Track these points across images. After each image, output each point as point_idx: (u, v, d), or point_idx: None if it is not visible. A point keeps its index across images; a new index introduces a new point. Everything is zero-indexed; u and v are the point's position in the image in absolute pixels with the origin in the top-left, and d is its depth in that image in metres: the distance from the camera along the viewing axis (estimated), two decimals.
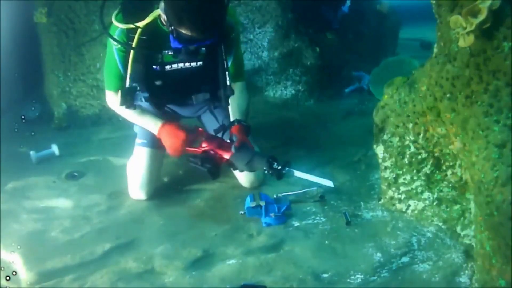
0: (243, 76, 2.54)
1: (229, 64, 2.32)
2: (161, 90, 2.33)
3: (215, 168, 2.20)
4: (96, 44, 3.69)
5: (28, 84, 3.95)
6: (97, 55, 3.71)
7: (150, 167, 2.55)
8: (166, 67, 2.28)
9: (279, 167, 2.11)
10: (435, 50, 1.96)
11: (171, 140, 2.28)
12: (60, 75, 3.75)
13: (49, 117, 3.85)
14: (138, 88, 2.26)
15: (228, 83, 2.27)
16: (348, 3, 4.86)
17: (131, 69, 2.18)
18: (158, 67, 2.26)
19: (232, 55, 2.37)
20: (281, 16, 4.02)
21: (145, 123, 2.38)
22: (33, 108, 3.87)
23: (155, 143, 2.53)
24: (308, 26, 4.28)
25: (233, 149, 2.19)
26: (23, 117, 3.75)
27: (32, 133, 3.49)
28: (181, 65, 2.29)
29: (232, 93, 2.29)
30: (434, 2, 1.89)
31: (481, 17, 1.55)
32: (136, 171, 2.56)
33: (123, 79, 2.24)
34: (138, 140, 2.58)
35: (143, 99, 2.30)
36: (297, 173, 2.14)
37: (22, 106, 3.86)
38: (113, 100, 2.37)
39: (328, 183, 2.13)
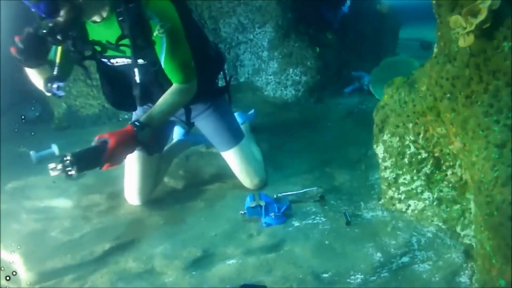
0: (178, 78, 2.14)
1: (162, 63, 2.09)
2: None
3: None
4: None
5: (28, 84, 3.95)
6: None
7: (143, 172, 2.46)
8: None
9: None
10: (435, 50, 1.96)
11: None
12: None
13: (49, 117, 3.85)
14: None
15: (138, 81, 2.06)
16: (348, 3, 4.87)
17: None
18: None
19: (162, 55, 2.06)
20: (281, 16, 4.02)
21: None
22: (33, 108, 3.87)
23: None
24: (308, 26, 4.28)
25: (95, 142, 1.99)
26: (23, 117, 3.75)
27: (32, 133, 3.50)
28: (113, 61, 2.16)
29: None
30: (434, 2, 1.89)
31: (481, 17, 1.55)
32: (128, 176, 2.49)
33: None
34: None
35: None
36: None
37: (22, 106, 3.86)
38: None
39: None
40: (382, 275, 1.89)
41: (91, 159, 1.93)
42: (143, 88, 2.11)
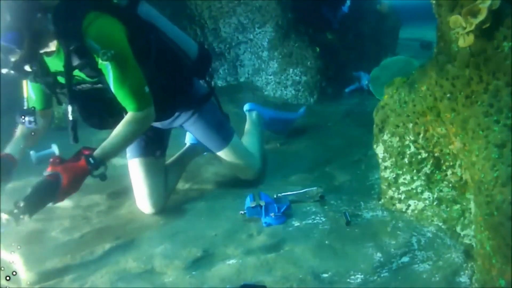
0: (131, 106, 2.05)
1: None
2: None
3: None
4: None
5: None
6: None
7: (148, 178, 2.43)
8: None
9: None
10: (435, 50, 1.96)
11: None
12: None
13: None
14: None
15: (70, 118, 2.08)
16: (348, 3, 4.87)
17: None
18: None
19: (110, 83, 2.01)
20: (281, 16, 4.02)
21: None
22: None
23: (143, 151, 2.44)
24: (308, 26, 4.28)
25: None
26: (23, 117, 3.74)
27: (32, 133, 3.48)
28: (79, 87, 2.13)
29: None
30: (434, 2, 1.89)
31: (481, 17, 1.55)
32: (135, 186, 2.47)
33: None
34: (127, 154, 2.48)
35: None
36: None
37: (22, 106, 3.85)
38: None
39: None
40: (382, 275, 1.89)
41: (43, 199, 1.93)
42: (75, 126, 2.10)
